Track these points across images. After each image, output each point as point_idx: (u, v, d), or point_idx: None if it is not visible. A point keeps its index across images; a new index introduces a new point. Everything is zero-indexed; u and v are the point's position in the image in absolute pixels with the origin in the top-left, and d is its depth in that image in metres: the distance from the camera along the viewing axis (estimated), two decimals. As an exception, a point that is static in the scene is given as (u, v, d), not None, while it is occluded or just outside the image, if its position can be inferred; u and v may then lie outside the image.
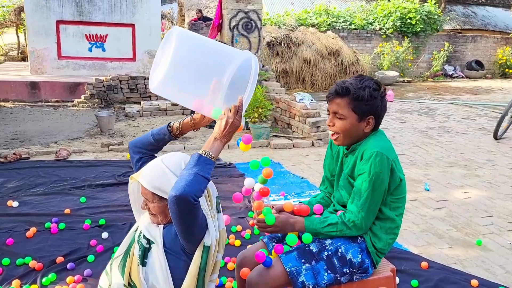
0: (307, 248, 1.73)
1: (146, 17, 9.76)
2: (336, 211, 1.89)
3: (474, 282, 2.65)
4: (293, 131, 6.25)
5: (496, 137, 6.24)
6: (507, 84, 13.17)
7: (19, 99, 8.26)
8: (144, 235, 1.61)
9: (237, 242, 3.10)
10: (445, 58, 14.51)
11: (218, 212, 1.63)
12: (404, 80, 13.53)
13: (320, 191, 2.10)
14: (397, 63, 13.64)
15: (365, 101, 1.70)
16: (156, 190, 1.53)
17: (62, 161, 4.73)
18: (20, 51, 14.93)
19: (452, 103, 9.67)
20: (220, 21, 7.01)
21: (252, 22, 6.87)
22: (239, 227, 3.33)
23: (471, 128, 7.10)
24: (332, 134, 1.79)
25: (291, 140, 5.93)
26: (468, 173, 4.86)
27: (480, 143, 6.15)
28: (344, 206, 1.86)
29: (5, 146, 5.32)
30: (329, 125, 1.79)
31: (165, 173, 1.54)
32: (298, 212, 1.84)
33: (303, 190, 4.17)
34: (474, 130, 7.00)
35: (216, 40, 7.02)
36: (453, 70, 14.88)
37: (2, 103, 7.92)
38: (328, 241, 1.75)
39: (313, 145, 5.78)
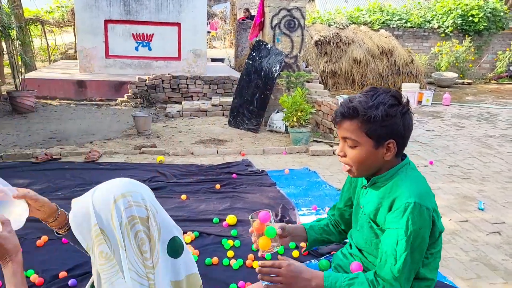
0: None
1: (192, 16, 9.66)
2: (352, 255, 1.55)
3: (533, 333, 2.20)
4: (335, 137, 5.85)
5: None
6: None
7: (66, 97, 8.42)
8: None
9: (256, 264, 2.79)
10: (511, 59, 13.37)
11: (174, 256, 1.25)
12: (463, 82, 12.60)
13: (327, 215, 1.77)
14: (456, 64, 12.73)
15: (380, 122, 1.33)
16: (78, 235, 1.19)
17: (91, 163, 4.65)
18: (75, 50, 15.47)
19: (517, 108, 8.82)
20: (262, 19, 6.72)
21: (295, 20, 6.52)
22: (260, 245, 3.02)
23: (538, 138, 6.35)
24: (344, 166, 1.44)
25: (331, 146, 5.54)
26: (532, 190, 4.26)
27: (548, 156, 5.45)
28: (361, 250, 1.51)
29: (42, 145, 5.34)
30: (339, 155, 1.45)
31: (86, 214, 1.19)
32: None
33: (338, 205, 3.80)
34: (541, 139, 6.25)
35: (258, 38, 6.75)
36: (520, 71, 13.69)
37: (49, 101, 8.10)
38: None
39: (355, 152, 5.36)
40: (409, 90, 9.13)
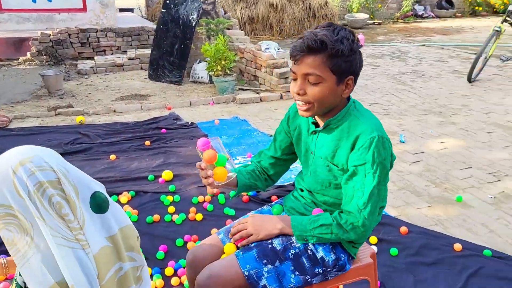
0: (270, 246, 1.39)
1: (94, -39, 8.82)
2: (303, 197, 1.55)
3: (457, 246, 2.44)
4: (260, 84, 5.84)
5: (470, 79, 6.01)
6: (477, 23, 12.90)
7: (-43, 59, 7.46)
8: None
9: (199, 216, 2.77)
10: (416, -2, 14.05)
11: (101, 211, 1.18)
12: (374, 22, 13.07)
13: (252, 162, 1.70)
14: (367, 5, 13.11)
15: (345, 57, 1.30)
16: None
17: (0, 130, 4.21)
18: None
19: (424, 45, 9.36)
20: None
21: (209, -37, 6.21)
22: (200, 198, 2.99)
23: (444, 71, 6.84)
24: (302, 105, 1.37)
25: (258, 93, 5.53)
26: (444, 120, 4.63)
27: (454, 87, 5.91)
28: (311, 192, 1.52)
29: None
30: (298, 93, 1.34)
31: None
32: None
33: (271, 150, 3.84)
34: (447, 73, 6.74)
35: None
36: (423, 10, 14.47)
37: None
38: (294, 237, 1.43)
39: (281, 98, 5.41)
40: (325, 33, 9.27)
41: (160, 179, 3.25)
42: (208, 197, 2.99)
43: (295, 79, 1.36)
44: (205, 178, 1.38)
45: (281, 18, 10.70)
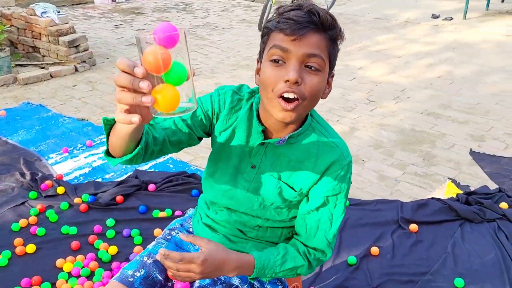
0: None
1: None
2: (218, 223, 1.23)
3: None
4: (44, 56, 4.86)
5: (260, 28, 6.27)
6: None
7: None
8: None
9: (31, 248, 2.13)
10: None
11: None
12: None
13: None
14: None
15: (338, 45, 1.01)
16: None
17: None
18: None
19: (203, -5, 9.34)
20: None
21: None
22: (22, 221, 2.31)
23: (234, 21, 6.96)
24: (292, 101, 0.94)
25: (43, 68, 4.60)
26: (253, 73, 4.71)
27: (249, 37, 6.07)
28: (237, 213, 1.19)
29: None
30: (296, 82, 0.92)
31: None
32: None
33: (91, 137, 3.25)
34: (237, 23, 6.88)
35: None
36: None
37: None
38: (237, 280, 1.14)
39: (77, 70, 4.62)
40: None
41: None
42: (33, 218, 2.34)
43: (278, 61, 0.94)
44: (137, 92, 0.67)
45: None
